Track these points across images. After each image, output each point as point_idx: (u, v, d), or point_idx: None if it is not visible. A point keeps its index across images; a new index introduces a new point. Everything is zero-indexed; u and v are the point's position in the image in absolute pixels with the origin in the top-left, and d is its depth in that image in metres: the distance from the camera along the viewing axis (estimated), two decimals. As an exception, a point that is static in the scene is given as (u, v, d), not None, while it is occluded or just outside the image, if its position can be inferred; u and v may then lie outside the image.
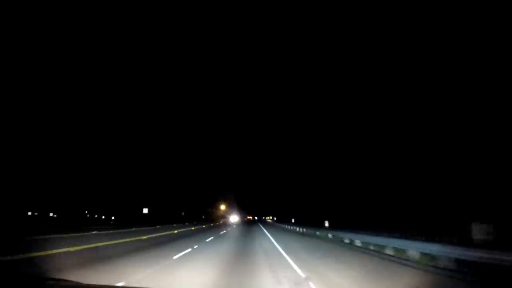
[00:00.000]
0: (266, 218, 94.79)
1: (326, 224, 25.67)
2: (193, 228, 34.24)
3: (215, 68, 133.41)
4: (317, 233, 26.81)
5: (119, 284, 6.40)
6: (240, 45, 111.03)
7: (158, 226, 35.55)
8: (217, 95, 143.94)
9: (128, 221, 54.46)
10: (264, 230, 35.66)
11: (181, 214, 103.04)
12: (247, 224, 70.30)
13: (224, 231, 31.00)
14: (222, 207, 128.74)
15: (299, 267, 9.48)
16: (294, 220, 42.52)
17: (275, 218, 60.51)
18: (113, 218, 72.96)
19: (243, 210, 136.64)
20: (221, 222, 77.38)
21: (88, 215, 76.04)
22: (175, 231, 27.58)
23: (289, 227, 40.59)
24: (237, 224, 67.42)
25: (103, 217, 75.26)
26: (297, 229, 35.33)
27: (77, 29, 70.11)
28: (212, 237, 21.52)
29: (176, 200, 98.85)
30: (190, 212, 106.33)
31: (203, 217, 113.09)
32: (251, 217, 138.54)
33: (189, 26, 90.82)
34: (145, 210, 75.76)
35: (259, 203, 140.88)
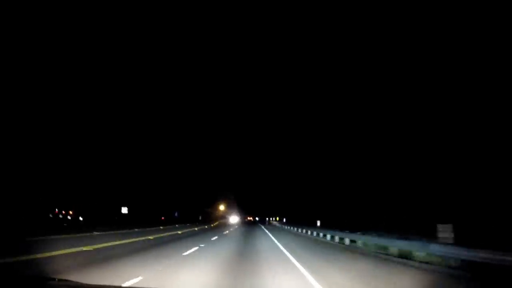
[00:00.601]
0: (271, 219, 78.14)
1: (447, 234, 10.43)
2: (151, 238, 19.58)
3: (215, 67, 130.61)
4: (420, 254, 10.90)
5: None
6: (240, 46, 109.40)
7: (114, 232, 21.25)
8: (217, 92, 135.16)
9: (101, 222, 43.34)
10: (277, 242, 21.05)
11: (174, 215, 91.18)
12: (247, 225, 60.44)
13: (202, 245, 16.33)
14: (221, 207, 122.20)
15: None
16: (320, 223, 27.54)
17: (284, 220, 45.66)
18: (81, 218, 59.51)
19: (244, 210, 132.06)
20: (215, 224, 64.18)
21: (50, 215, 61.78)
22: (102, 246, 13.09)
23: (313, 234, 25.71)
24: (237, 226, 55.07)
25: (69, 217, 61.08)
26: (330, 238, 20.74)
27: (77, 29, 67.01)
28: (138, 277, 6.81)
29: (168, 200, 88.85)
30: (185, 213, 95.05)
31: (200, 218, 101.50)
32: (251, 218, 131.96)
33: (189, 26, 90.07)
34: (124, 210, 62.57)
35: (260, 202, 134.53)
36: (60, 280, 3.57)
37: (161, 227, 34.61)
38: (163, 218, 74.90)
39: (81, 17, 62.87)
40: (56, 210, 65.25)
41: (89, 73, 66.39)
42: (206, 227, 44.37)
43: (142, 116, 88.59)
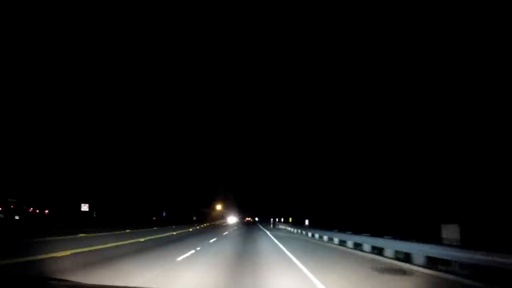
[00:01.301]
0: (277, 220, 57.29)
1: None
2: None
3: (215, 65, 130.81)
4: None
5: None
6: (240, 45, 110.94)
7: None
8: (215, 87, 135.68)
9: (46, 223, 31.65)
10: None
11: (163, 215, 80.00)
12: (246, 227, 52.22)
13: None
14: (218, 207, 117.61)
15: None
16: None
17: (306, 223, 28.05)
18: (17, 218, 43.59)
19: (243, 210, 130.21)
20: (202, 226, 50.41)
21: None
22: None
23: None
24: (234, 229, 43.02)
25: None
26: None
27: (77, 29, 66.96)
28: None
29: (157, 199, 79.38)
30: (178, 212, 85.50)
31: (194, 218, 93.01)
32: (250, 219, 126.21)
33: (189, 26, 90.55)
34: (84, 207, 52.98)
35: (263, 201, 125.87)
36: (60, 280, 3.48)
37: (82, 235, 17.78)
38: (154, 218, 67.10)
39: (81, 17, 61.63)
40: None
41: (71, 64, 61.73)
42: (179, 232, 27.53)
43: (134, 110, 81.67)
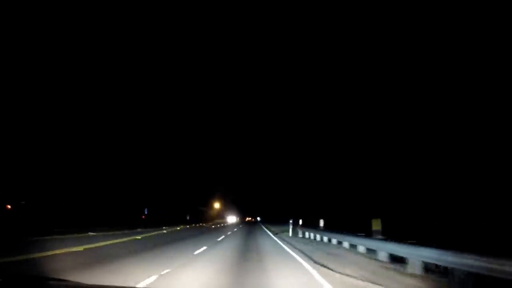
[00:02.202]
0: (300, 223, 36.33)
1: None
2: None
3: (214, 65, 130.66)
4: None
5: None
6: (239, 45, 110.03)
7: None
8: (216, 87, 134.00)
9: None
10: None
11: (145, 214, 65.93)
12: (248, 227, 46.67)
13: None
14: (216, 205, 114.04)
15: None
16: None
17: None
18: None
19: (244, 210, 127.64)
20: (190, 226, 43.43)
21: None
22: None
23: None
24: (228, 234, 29.64)
25: None
26: None
27: (77, 29, 63.04)
28: None
29: (137, 194, 67.73)
30: (166, 210, 74.63)
31: (188, 217, 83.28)
32: (251, 219, 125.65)
33: (189, 26, 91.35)
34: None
35: (266, 201, 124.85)
36: (60, 280, 3.48)
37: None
38: (143, 216, 61.29)
39: (81, 17, 64.52)
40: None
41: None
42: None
43: (130, 105, 69.38)
